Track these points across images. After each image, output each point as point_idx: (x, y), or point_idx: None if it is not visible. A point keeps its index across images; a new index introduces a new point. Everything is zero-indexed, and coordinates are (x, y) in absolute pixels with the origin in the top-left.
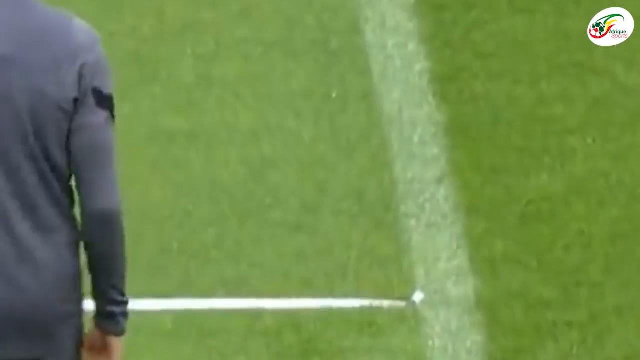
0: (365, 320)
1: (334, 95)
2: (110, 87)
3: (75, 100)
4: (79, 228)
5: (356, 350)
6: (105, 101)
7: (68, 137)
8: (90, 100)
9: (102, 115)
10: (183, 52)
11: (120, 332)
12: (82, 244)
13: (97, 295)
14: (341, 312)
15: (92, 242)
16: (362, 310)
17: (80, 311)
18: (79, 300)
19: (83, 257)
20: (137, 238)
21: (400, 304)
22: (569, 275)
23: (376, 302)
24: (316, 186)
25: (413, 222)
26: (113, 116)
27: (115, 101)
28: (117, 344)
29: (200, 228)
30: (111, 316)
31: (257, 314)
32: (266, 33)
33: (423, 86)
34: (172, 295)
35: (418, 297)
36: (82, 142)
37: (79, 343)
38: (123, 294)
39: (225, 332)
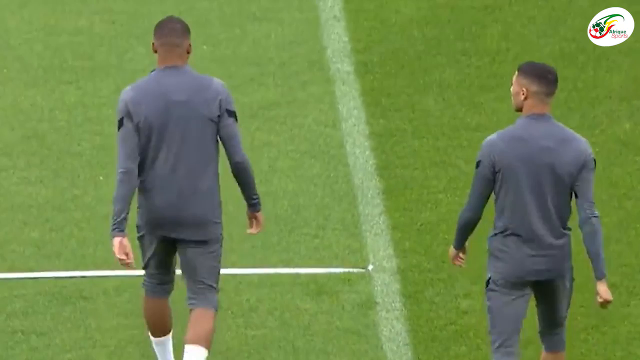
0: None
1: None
2: (233, 107)
3: (219, 116)
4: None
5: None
6: (231, 114)
7: (218, 131)
8: (225, 114)
9: (231, 120)
10: None
11: (259, 210)
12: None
13: (245, 196)
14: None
15: (238, 175)
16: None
17: (220, 220)
18: (220, 213)
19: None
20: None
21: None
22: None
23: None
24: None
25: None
26: (236, 120)
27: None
28: (260, 215)
29: None
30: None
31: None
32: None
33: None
34: None
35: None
36: (226, 132)
37: (222, 234)
38: (256, 194)
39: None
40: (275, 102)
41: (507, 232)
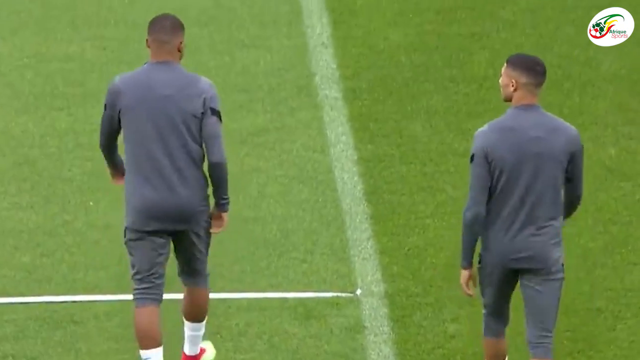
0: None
1: None
2: (218, 107)
3: (202, 113)
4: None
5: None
6: (215, 113)
7: (200, 129)
8: (209, 112)
9: (214, 118)
10: None
11: (226, 210)
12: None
13: (215, 195)
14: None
15: (212, 174)
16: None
17: (207, 205)
18: (207, 200)
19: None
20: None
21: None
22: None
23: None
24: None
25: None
26: (220, 120)
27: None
28: (226, 215)
29: None
30: (222, 205)
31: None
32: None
33: None
34: None
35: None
36: (207, 130)
37: (209, 220)
38: (226, 196)
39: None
40: (264, 128)
41: (494, 220)
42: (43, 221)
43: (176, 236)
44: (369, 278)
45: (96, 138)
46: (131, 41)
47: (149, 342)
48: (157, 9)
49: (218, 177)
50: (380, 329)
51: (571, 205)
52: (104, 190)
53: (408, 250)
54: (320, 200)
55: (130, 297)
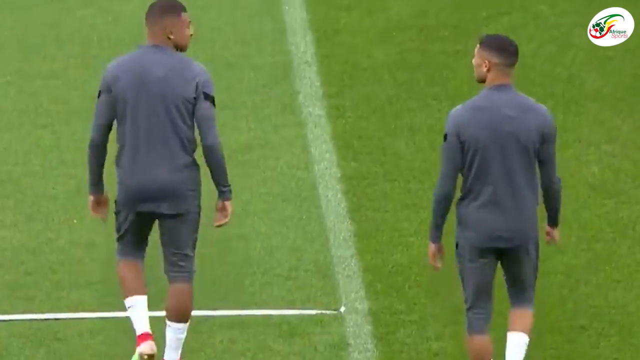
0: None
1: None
2: (212, 91)
3: (195, 98)
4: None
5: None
6: (208, 98)
7: (193, 112)
8: (202, 96)
9: (207, 103)
10: None
11: (229, 199)
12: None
13: (215, 184)
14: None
15: (208, 158)
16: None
17: (197, 191)
18: (197, 186)
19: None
20: None
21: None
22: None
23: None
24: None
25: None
26: (214, 104)
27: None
28: (229, 204)
29: None
30: (223, 192)
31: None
32: None
33: None
34: None
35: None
36: (200, 114)
37: (199, 205)
38: (227, 183)
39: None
40: (248, 146)
41: (472, 200)
42: (27, 239)
43: (164, 221)
44: (352, 295)
45: (80, 155)
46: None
47: (132, 290)
48: (140, 26)
49: (214, 161)
50: (364, 346)
51: (550, 192)
52: (88, 208)
53: (392, 267)
54: (304, 217)
55: (114, 314)
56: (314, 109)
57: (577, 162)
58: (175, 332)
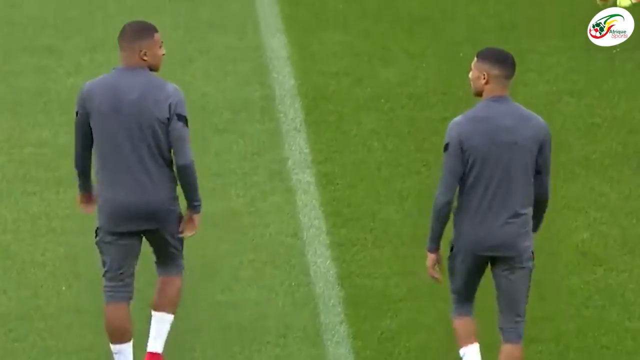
0: None
1: None
2: (184, 112)
3: (168, 119)
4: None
5: None
6: (181, 118)
7: (167, 133)
8: (175, 117)
9: (180, 124)
10: None
11: (198, 212)
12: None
13: (186, 198)
14: None
15: (181, 177)
16: None
17: (177, 206)
18: (176, 200)
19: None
20: None
21: None
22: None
23: None
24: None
25: None
26: (186, 125)
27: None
28: (197, 218)
29: None
30: (194, 207)
31: None
32: None
33: None
34: None
35: None
36: (173, 135)
37: (179, 220)
38: (198, 198)
39: None
40: (237, 212)
41: (466, 208)
42: (15, 306)
43: (149, 234)
44: None
45: (69, 223)
46: None
47: (118, 336)
48: None
49: (187, 180)
50: None
51: (539, 204)
52: (77, 275)
53: (381, 334)
54: (293, 284)
55: None
56: (303, 175)
57: (566, 228)
58: (159, 320)
